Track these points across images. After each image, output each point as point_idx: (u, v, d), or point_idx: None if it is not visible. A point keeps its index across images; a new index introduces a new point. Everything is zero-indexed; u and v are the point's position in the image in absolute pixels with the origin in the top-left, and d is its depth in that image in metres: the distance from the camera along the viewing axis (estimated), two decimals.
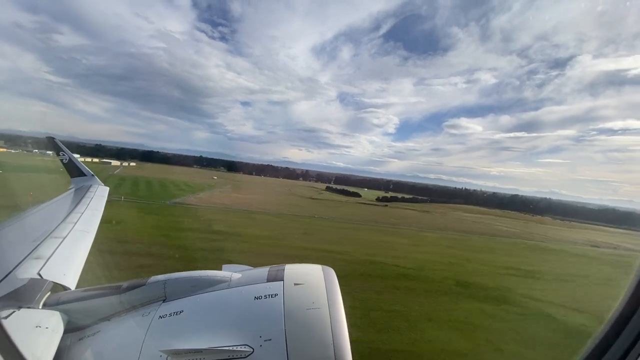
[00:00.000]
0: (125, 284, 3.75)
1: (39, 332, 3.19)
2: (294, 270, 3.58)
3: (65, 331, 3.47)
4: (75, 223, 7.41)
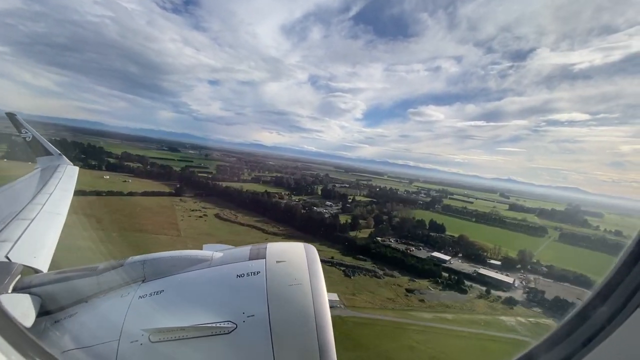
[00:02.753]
0: (101, 266, 3.67)
1: None
2: (276, 248, 3.59)
3: (40, 315, 3.39)
4: (44, 204, 7.07)
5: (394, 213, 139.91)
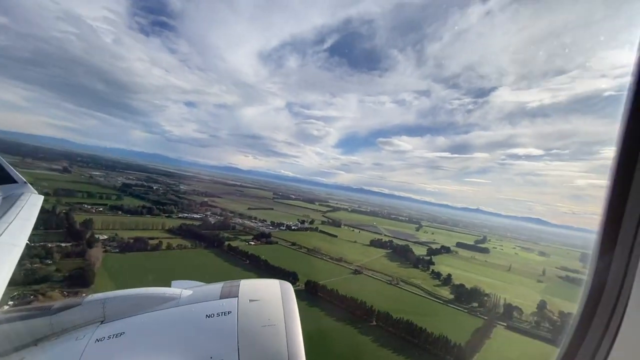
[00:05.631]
0: (56, 304, 3.37)
1: None
2: (249, 286, 3.42)
3: None
4: (1, 234, 6.49)
5: None
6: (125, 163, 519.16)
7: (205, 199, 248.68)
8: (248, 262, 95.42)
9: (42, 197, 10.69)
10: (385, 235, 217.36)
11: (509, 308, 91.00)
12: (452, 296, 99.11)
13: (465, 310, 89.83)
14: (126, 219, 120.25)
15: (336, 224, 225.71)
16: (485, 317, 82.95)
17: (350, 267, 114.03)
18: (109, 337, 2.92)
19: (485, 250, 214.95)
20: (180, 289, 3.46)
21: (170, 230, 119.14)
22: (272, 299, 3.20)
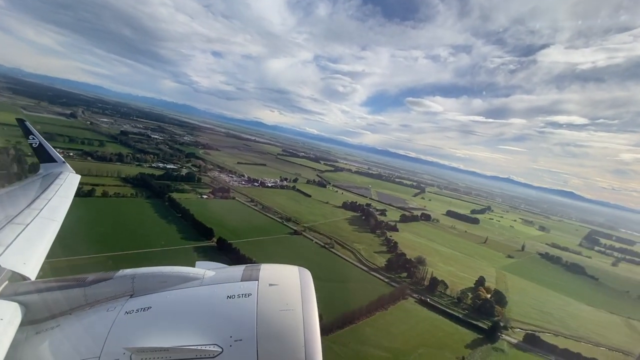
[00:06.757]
0: (90, 277, 3.71)
1: None
2: (269, 271, 3.60)
3: (22, 324, 3.33)
4: (41, 210, 7.05)
5: None
6: (147, 112, 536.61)
7: (201, 151, 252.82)
8: (180, 215, 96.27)
9: (79, 177, 11.51)
10: (370, 198, 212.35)
11: (435, 282, 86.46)
12: (383, 264, 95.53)
13: (386, 280, 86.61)
14: (87, 165, 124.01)
15: (322, 184, 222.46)
16: (398, 288, 79.31)
17: (294, 228, 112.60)
18: (137, 311, 3.22)
19: (475, 221, 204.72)
20: (204, 270, 3.73)
21: (124, 179, 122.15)
22: (290, 284, 3.37)
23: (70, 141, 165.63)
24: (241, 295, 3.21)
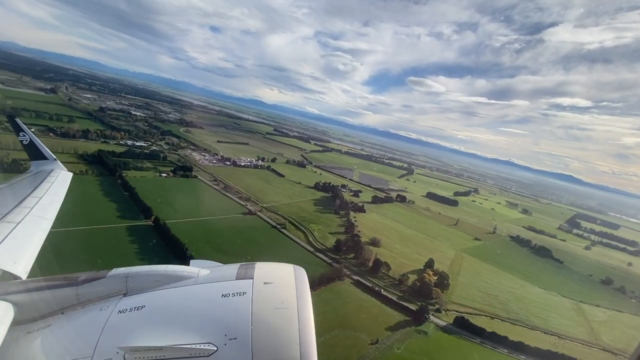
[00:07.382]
0: (82, 276, 3.66)
1: None
2: (264, 269, 3.66)
3: (13, 323, 3.28)
4: (32, 208, 6.91)
5: None
6: (140, 89, 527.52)
7: (182, 129, 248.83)
8: (128, 194, 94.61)
9: (71, 174, 11.23)
10: (350, 179, 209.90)
11: (379, 263, 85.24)
12: (332, 246, 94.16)
13: (329, 261, 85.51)
14: (45, 141, 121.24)
15: (302, 164, 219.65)
16: (334, 269, 78.12)
17: (250, 208, 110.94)
18: (131, 310, 3.19)
19: (454, 203, 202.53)
20: (199, 268, 3.71)
21: (81, 155, 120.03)
22: (285, 282, 3.41)
23: (37, 116, 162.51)
24: (236, 294, 3.20)
